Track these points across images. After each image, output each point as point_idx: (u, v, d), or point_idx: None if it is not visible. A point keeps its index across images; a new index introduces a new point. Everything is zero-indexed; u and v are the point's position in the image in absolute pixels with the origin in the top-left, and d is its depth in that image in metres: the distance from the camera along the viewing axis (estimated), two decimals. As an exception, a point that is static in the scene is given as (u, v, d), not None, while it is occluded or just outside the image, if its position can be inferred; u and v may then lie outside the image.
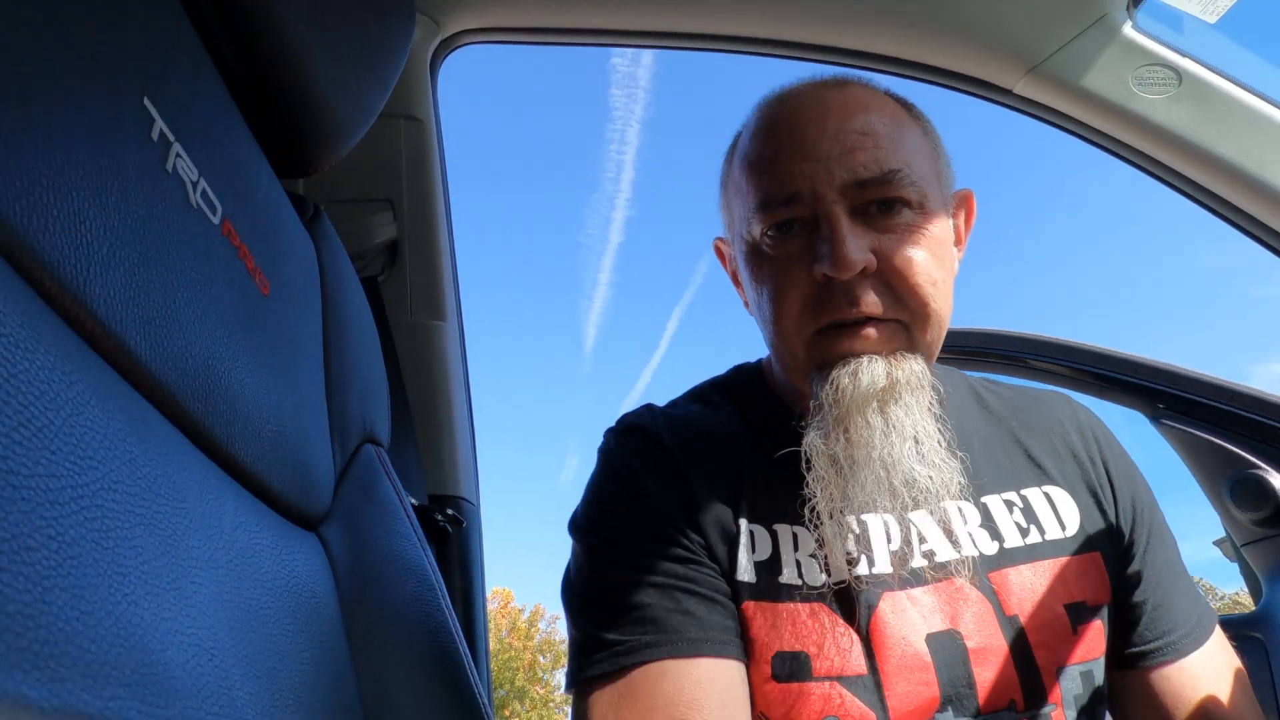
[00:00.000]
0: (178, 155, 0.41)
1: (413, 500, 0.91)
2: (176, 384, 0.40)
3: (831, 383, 0.62)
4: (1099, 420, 0.79)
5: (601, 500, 0.70)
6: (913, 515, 0.66)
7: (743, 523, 0.66)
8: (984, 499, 0.70)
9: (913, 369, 0.63)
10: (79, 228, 0.33)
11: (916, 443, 0.62)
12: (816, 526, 0.64)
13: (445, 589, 0.68)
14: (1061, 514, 0.71)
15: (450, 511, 1.05)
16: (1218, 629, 0.71)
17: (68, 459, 0.29)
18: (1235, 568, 1.24)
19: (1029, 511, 0.70)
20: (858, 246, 0.61)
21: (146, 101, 0.38)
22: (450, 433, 1.11)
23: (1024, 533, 0.69)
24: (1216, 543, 1.30)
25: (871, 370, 0.61)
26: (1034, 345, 1.31)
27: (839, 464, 0.62)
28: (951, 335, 1.50)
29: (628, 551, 0.65)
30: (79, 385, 0.31)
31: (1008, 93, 1.03)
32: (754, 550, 0.65)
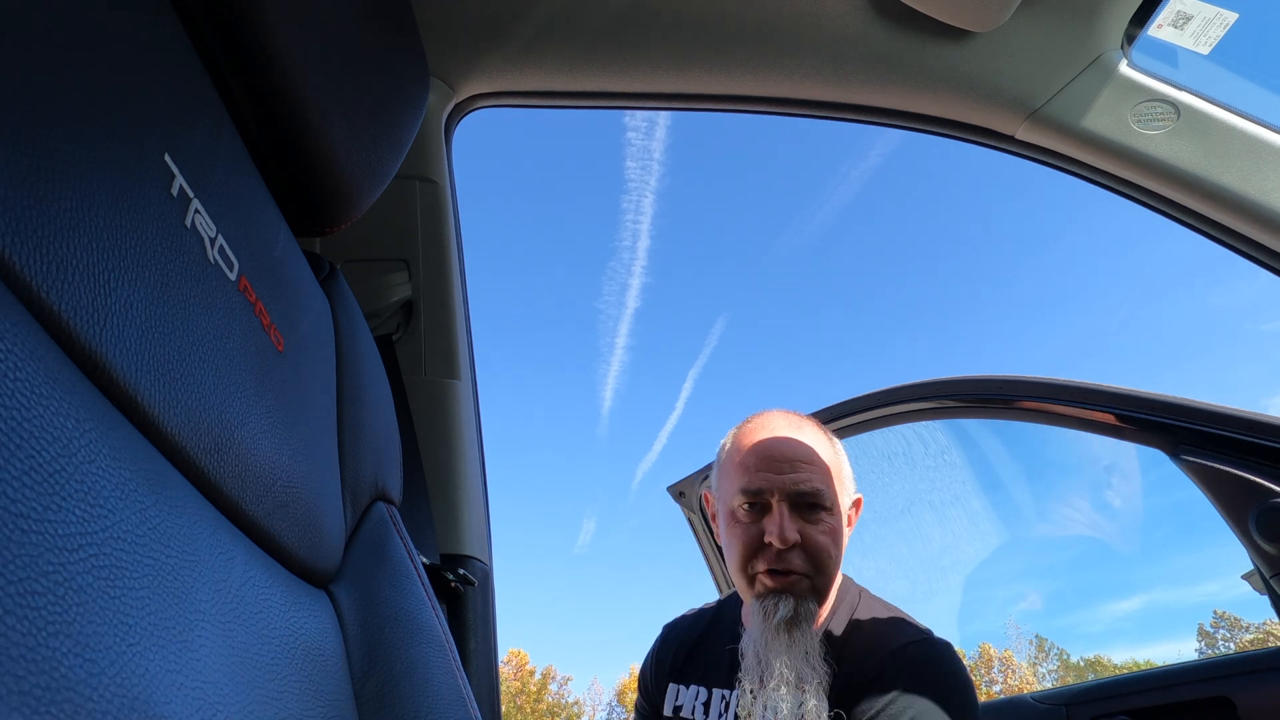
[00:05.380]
0: (196, 211, 0.42)
1: (424, 559, 0.90)
2: (189, 436, 0.40)
3: (762, 609, 1.05)
4: (904, 661, 1.06)
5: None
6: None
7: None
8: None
9: (810, 609, 1.05)
10: (97, 278, 0.33)
11: (805, 653, 1.03)
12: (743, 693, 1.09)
13: (457, 650, 0.66)
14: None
15: (462, 571, 1.03)
16: None
17: (78, 506, 0.28)
18: (1265, 600, 1.20)
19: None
20: (792, 528, 1.04)
21: (167, 158, 0.39)
22: (463, 492, 1.10)
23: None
24: (1245, 576, 1.25)
25: (784, 605, 1.04)
26: (1050, 390, 1.29)
27: (761, 659, 1.05)
28: (971, 384, 1.48)
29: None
30: (92, 434, 0.31)
31: (1009, 139, 1.04)
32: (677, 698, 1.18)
